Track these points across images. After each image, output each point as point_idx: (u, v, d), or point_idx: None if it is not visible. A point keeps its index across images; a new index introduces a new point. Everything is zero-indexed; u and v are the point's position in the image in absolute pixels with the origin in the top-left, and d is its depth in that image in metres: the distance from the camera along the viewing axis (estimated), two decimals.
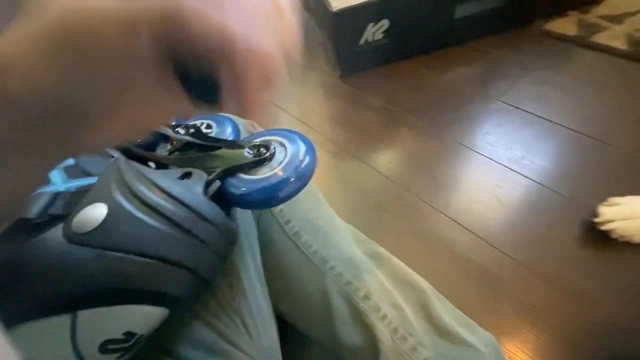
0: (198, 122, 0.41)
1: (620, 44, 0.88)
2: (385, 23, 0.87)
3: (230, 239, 0.29)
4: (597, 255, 0.56)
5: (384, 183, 0.72)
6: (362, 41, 0.89)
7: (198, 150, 0.33)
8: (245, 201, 0.30)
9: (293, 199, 0.48)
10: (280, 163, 0.30)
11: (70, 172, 0.33)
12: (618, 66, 0.84)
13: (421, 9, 0.87)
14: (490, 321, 0.52)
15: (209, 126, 0.40)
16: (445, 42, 0.97)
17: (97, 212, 0.23)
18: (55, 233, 0.23)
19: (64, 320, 0.21)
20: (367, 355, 0.38)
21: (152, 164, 0.35)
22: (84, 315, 0.21)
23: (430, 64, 0.94)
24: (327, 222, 0.45)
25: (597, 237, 0.57)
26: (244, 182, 0.30)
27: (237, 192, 0.30)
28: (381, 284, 0.42)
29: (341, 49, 0.90)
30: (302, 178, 0.30)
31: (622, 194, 0.58)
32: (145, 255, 0.23)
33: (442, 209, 0.65)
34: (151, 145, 0.37)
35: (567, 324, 0.51)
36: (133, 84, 0.15)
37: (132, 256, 0.22)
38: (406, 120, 0.83)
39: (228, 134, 0.39)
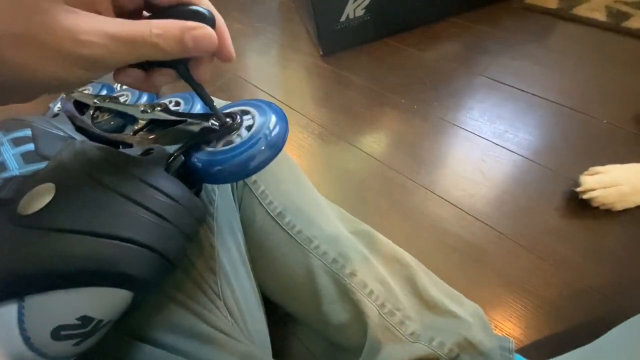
0: (167, 101, 0.39)
1: (600, 16, 0.88)
2: None
3: (196, 216, 0.27)
4: (579, 224, 0.57)
5: (368, 162, 0.71)
6: (343, 18, 0.86)
7: (163, 127, 0.31)
8: (212, 174, 0.28)
9: (274, 180, 0.47)
10: (248, 132, 0.28)
11: (28, 158, 0.31)
12: (598, 38, 0.84)
13: None
14: (476, 292, 0.53)
15: (177, 104, 0.38)
16: (426, 19, 0.95)
17: (44, 192, 0.22)
18: (1, 217, 0.21)
19: (10, 307, 0.19)
20: (355, 332, 0.38)
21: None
22: (31, 300, 0.20)
23: (412, 41, 0.93)
24: (311, 201, 0.44)
25: (579, 206, 0.58)
26: (209, 155, 0.28)
27: (202, 166, 0.28)
28: (367, 260, 0.41)
29: (322, 26, 0.88)
30: (272, 147, 0.28)
31: (603, 163, 0.59)
32: (95, 234, 0.21)
33: (427, 186, 0.65)
34: (119, 129, 0.35)
35: (550, 292, 0.52)
36: None
37: (80, 236, 0.21)
38: (389, 99, 0.81)
39: (197, 110, 0.37)
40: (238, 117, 0.29)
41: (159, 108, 0.32)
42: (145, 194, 0.23)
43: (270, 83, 0.95)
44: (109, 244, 0.21)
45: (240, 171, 0.27)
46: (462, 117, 0.74)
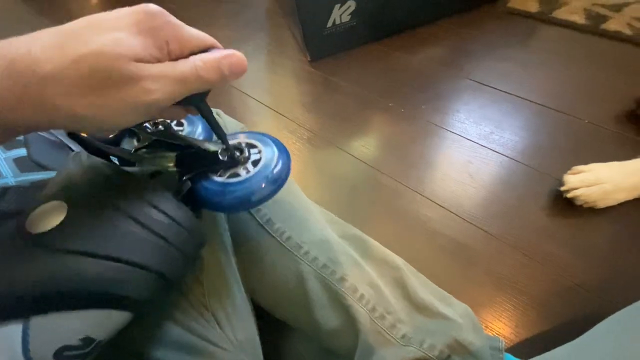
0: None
1: (579, 19, 0.90)
2: (351, 4, 0.85)
3: (199, 240, 0.28)
4: (564, 223, 0.58)
5: (358, 166, 0.71)
6: (329, 24, 0.87)
7: (167, 149, 0.31)
8: (216, 204, 0.29)
9: None
10: (254, 167, 0.30)
11: (22, 165, 0.30)
12: (577, 40, 0.86)
13: None
14: (466, 293, 0.53)
15: (179, 124, 0.38)
16: (412, 23, 0.96)
17: (55, 210, 0.21)
18: (7, 231, 0.21)
19: (14, 327, 0.19)
20: (347, 337, 0.38)
21: (114, 160, 0.32)
22: (37, 321, 0.19)
23: (399, 46, 0.94)
24: (300, 207, 0.44)
25: (564, 205, 0.59)
26: (216, 185, 0.29)
27: (208, 195, 0.29)
28: (357, 264, 0.41)
29: (309, 32, 0.88)
30: (275, 182, 0.29)
31: (586, 161, 0.60)
32: (107, 258, 0.21)
33: (416, 188, 0.66)
34: (115, 141, 0.35)
35: (538, 290, 0.53)
36: None
37: (92, 259, 0.21)
38: (378, 103, 0.82)
39: (198, 133, 0.37)
40: (246, 150, 0.31)
41: (161, 127, 0.32)
42: (154, 218, 0.24)
43: (259, 89, 0.95)
44: (120, 267, 0.21)
45: (243, 204, 0.29)
46: (449, 120, 0.76)
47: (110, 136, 0.34)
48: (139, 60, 0.20)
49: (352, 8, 0.86)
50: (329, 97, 0.86)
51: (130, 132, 0.34)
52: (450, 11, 0.97)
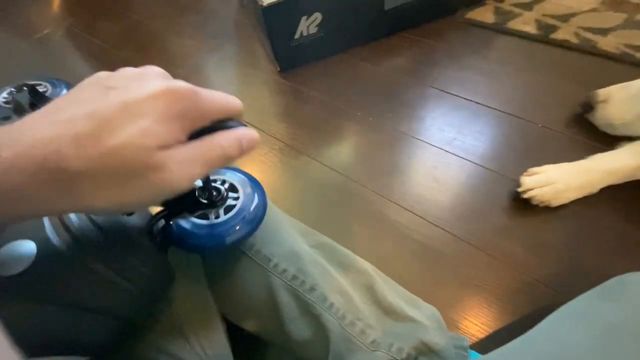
0: (33, 82, 0.37)
1: (531, 29, 0.97)
2: (318, 16, 0.87)
3: (168, 283, 0.28)
4: (523, 222, 0.62)
5: (328, 175, 0.73)
6: (297, 35, 0.89)
7: None
8: (190, 244, 0.29)
9: None
10: (226, 213, 0.30)
11: None
12: (530, 49, 0.92)
13: (351, 0, 0.88)
14: (435, 294, 0.55)
15: (43, 87, 0.37)
16: (377, 34, 1.00)
17: (23, 251, 0.20)
18: None
19: None
20: (318, 346, 0.39)
21: None
22: None
23: (365, 56, 0.97)
24: (269, 220, 0.45)
25: (522, 205, 0.63)
26: (190, 225, 0.29)
27: (181, 235, 0.29)
28: (327, 273, 0.42)
29: (277, 44, 0.89)
30: (250, 224, 0.31)
31: (540, 163, 0.64)
32: (75, 307, 0.20)
33: (385, 194, 0.68)
34: None
35: (501, 287, 0.56)
36: None
37: (57, 307, 0.20)
38: (346, 113, 0.84)
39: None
40: (224, 193, 0.31)
41: (25, 89, 0.31)
42: (125, 263, 0.23)
43: None
44: (87, 316, 0.21)
45: (216, 245, 0.30)
46: (414, 127, 0.79)
47: None
48: (165, 147, 0.20)
49: (319, 20, 0.88)
50: (299, 107, 0.88)
51: None
52: (412, 23, 1.02)
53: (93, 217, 0.23)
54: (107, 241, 0.23)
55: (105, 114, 0.19)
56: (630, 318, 0.29)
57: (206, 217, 0.30)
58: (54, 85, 0.42)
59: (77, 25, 1.30)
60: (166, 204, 0.29)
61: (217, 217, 0.30)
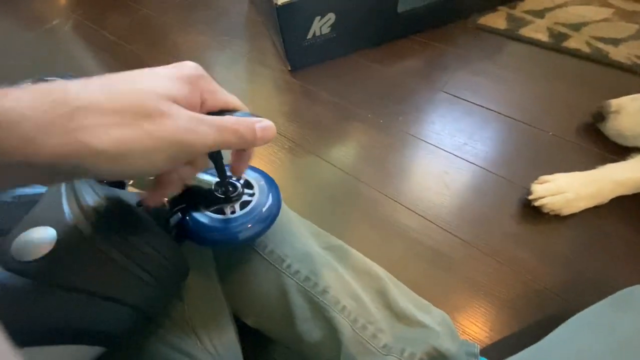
0: (51, 78, 0.37)
1: (543, 36, 0.97)
2: (331, 16, 0.87)
3: (183, 276, 0.28)
4: (532, 229, 0.62)
5: (338, 176, 0.73)
6: (309, 35, 0.88)
7: None
8: (204, 238, 0.30)
9: None
10: (242, 209, 0.30)
11: None
12: (541, 56, 0.92)
13: (365, 2, 0.88)
14: (443, 299, 0.55)
15: None
16: (389, 36, 1.00)
17: (43, 237, 0.20)
18: None
19: None
20: (330, 349, 0.39)
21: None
22: None
23: (376, 58, 0.97)
24: (282, 219, 0.45)
25: (532, 212, 0.63)
26: (206, 220, 0.30)
27: (196, 229, 0.29)
28: (339, 276, 0.42)
29: (289, 43, 0.89)
30: (264, 222, 0.31)
31: (551, 171, 0.64)
32: (93, 294, 0.20)
33: (395, 198, 0.68)
34: None
35: (510, 294, 0.56)
36: None
37: (76, 294, 0.20)
38: (356, 114, 0.84)
39: None
40: (240, 188, 0.32)
41: None
42: (143, 253, 0.23)
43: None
44: (103, 304, 0.21)
45: (230, 241, 0.30)
46: (425, 131, 0.78)
47: None
48: (175, 101, 0.20)
49: (332, 20, 0.88)
50: (309, 107, 0.88)
51: None
52: (424, 26, 1.01)
53: (111, 206, 0.23)
54: (126, 230, 0.23)
55: (118, 76, 0.20)
56: None
57: (222, 212, 0.30)
58: None
59: (86, 17, 1.29)
60: (181, 196, 0.30)
61: (232, 212, 0.30)
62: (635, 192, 0.62)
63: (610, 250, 0.58)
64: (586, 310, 0.39)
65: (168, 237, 0.26)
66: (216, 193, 0.30)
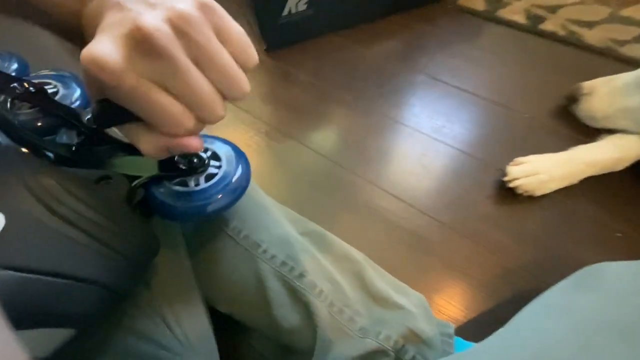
0: (40, 80, 0.35)
1: (520, 18, 0.97)
2: None
3: (153, 251, 0.26)
4: (507, 210, 0.63)
5: (316, 160, 0.71)
6: (285, 12, 0.85)
7: (114, 147, 0.29)
8: (169, 212, 0.28)
9: None
10: (207, 181, 0.29)
11: None
12: (518, 39, 0.93)
13: None
14: (421, 281, 0.56)
15: (54, 87, 0.34)
16: (368, 16, 0.97)
17: None
18: None
19: None
20: (306, 334, 0.38)
21: (49, 155, 0.28)
22: None
23: (356, 38, 0.94)
24: (257, 204, 0.43)
25: (507, 194, 0.64)
26: (169, 193, 0.28)
27: (160, 202, 0.28)
28: (316, 260, 0.41)
29: (263, 20, 0.86)
30: (232, 194, 0.29)
31: (526, 153, 0.65)
32: (54, 275, 0.19)
33: (374, 181, 0.67)
34: (45, 131, 0.30)
35: (485, 274, 0.57)
36: None
37: (37, 276, 0.19)
38: (336, 96, 0.82)
39: (75, 97, 0.34)
40: (206, 160, 0.30)
41: (32, 89, 0.28)
42: (107, 229, 0.22)
43: None
44: (68, 284, 0.20)
45: (198, 213, 0.28)
46: (404, 114, 0.78)
47: (39, 124, 0.30)
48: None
49: None
50: (286, 89, 0.85)
51: (68, 125, 0.30)
52: (404, 6, 0.99)
53: (66, 185, 0.22)
54: (84, 209, 0.22)
55: None
56: (609, 309, 0.29)
57: (185, 185, 0.29)
58: (3, 59, 0.37)
59: None
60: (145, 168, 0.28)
61: (197, 184, 0.29)
62: (605, 172, 0.64)
63: (578, 229, 0.60)
64: (548, 291, 0.39)
65: (131, 213, 0.25)
66: (179, 164, 0.29)
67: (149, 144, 0.21)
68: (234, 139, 0.74)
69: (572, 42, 0.90)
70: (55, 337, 0.21)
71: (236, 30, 0.21)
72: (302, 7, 0.86)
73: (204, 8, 0.20)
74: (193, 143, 0.21)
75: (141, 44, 0.18)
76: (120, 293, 0.23)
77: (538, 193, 0.62)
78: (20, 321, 0.18)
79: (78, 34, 0.23)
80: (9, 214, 0.19)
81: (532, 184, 0.61)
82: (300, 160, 0.72)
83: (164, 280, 0.34)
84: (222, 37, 0.20)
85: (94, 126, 0.22)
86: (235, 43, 0.21)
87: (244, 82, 0.22)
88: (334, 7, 0.90)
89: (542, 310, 0.37)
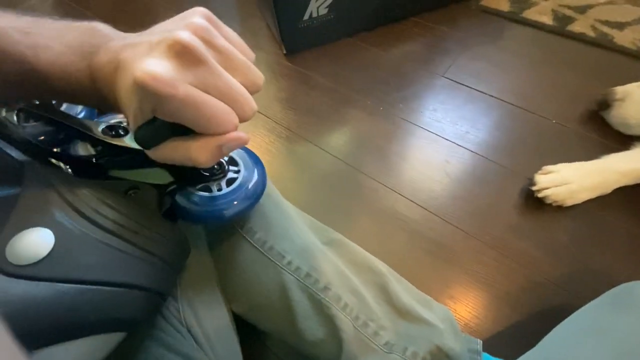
0: (115, 121, 0.35)
1: (547, 19, 0.94)
2: None
3: (186, 251, 0.28)
4: (535, 220, 0.61)
5: (337, 165, 0.71)
6: (306, 16, 0.84)
7: (131, 157, 0.29)
8: (191, 216, 0.30)
9: None
10: (228, 186, 0.31)
11: None
12: (546, 40, 0.89)
13: None
14: (444, 292, 0.55)
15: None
16: (389, 18, 0.96)
17: (41, 239, 0.20)
18: None
19: None
20: (331, 347, 0.38)
21: (66, 167, 0.29)
22: (38, 355, 0.19)
23: (376, 41, 0.93)
24: (280, 214, 0.43)
25: (535, 203, 0.61)
26: (193, 198, 0.30)
27: (184, 207, 0.29)
28: (340, 272, 0.41)
29: (284, 24, 0.85)
30: (249, 199, 0.31)
31: (554, 161, 0.63)
32: (106, 284, 0.21)
33: (395, 188, 0.66)
34: (50, 143, 0.29)
35: (510, 285, 0.55)
36: None
37: (87, 286, 0.20)
38: (355, 101, 0.81)
39: (80, 108, 0.35)
40: (225, 166, 0.32)
41: (122, 131, 0.29)
42: (143, 236, 0.23)
43: None
44: (114, 292, 0.21)
45: (217, 218, 0.30)
46: (426, 119, 0.76)
47: (46, 137, 0.29)
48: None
49: (330, 1, 0.83)
50: (306, 94, 0.84)
51: (81, 136, 0.30)
52: (425, 8, 0.97)
53: (102, 198, 0.24)
54: (122, 218, 0.23)
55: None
56: None
57: (209, 190, 0.31)
58: None
59: None
60: (171, 174, 0.30)
61: (219, 189, 0.31)
62: (638, 182, 0.61)
63: (612, 242, 0.58)
64: (581, 311, 0.38)
65: (163, 218, 0.27)
66: (202, 171, 0.31)
67: (201, 149, 0.22)
68: (255, 144, 0.75)
69: (602, 44, 0.86)
70: (110, 341, 0.22)
71: (232, 32, 0.24)
72: (323, 11, 0.85)
73: (209, 19, 0.22)
74: (243, 136, 0.22)
75: (182, 55, 0.20)
76: (163, 294, 0.25)
77: (568, 203, 0.60)
78: (77, 330, 0.20)
79: (84, 92, 0.24)
80: (56, 230, 0.20)
81: (562, 194, 0.59)
82: (320, 165, 0.71)
83: (190, 292, 0.35)
84: (228, 40, 0.23)
85: (139, 147, 0.23)
86: (237, 44, 0.23)
87: (259, 75, 0.24)
88: (354, 11, 0.89)
89: (575, 332, 0.36)
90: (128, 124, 0.26)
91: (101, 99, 0.23)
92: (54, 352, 0.19)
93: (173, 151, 0.22)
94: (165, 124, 0.21)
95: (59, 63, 0.23)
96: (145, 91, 0.19)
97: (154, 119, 0.21)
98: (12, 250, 0.19)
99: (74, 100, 0.28)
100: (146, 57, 0.19)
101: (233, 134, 0.22)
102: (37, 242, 0.20)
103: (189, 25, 0.21)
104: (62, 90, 0.24)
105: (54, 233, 0.20)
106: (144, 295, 0.23)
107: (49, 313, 0.19)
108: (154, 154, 0.23)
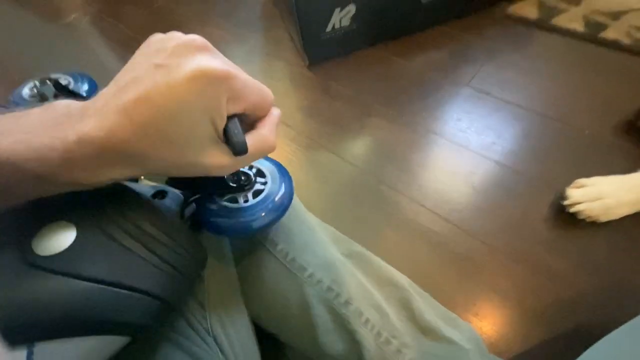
0: (56, 75, 0.39)
1: (578, 26, 0.90)
2: (351, 8, 0.83)
3: (202, 264, 0.28)
4: (567, 236, 0.58)
5: (359, 175, 0.70)
6: (329, 28, 0.85)
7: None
8: (217, 228, 0.30)
9: None
10: (254, 197, 0.30)
11: None
12: (576, 48, 0.86)
13: None
14: (469, 307, 0.53)
15: (65, 79, 0.38)
16: (412, 28, 0.95)
17: (62, 231, 0.21)
18: (9, 252, 0.20)
19: (19, 353, 0.18)
20: None
21: None
22: (41, 347, 0.19)
23: (398, 51, 0.93)
24: (302, 226, 0.43)
25: (566, 218, 0.59)
26: (219, 209, 0.29)
27: (210, 217, 0.29)
28: (362, 286, 0.40)
29: (307, 36, 0.86)
30: (276, 212, 0.30)
31: (586, 173, 0.60)
32: (117, 285, 0.21)
33: (418, 199, 0.65)
34: None
35: (540, 303, 0.53)
36: None
37: (102, 286, 0.20)
38: (377, 110, 0.81)
39: (85, 89, 0.37)
40: (252, 177, 0.32)
41: (49, 82, 0.32)
42: (162, 244, 0.23)
43: None
44: (125, 294, 0.21)
45: (244, 229, 0.30)
46: (450, 129, 0.75)
47: None
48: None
49: (353, 12, 0.84)
50: (328, 103, 0.85)
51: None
52: (449, 16, 0.96)
53: (128, 200, 0.24)
54: (144, 223, 0.23)
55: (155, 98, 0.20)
56: None
57: (235, 201, 0.30)
58: (75, 79, 0.44)
59: (104, 11, 1.29)
60: (196, 186, 0.30)
61: (246, 200, 0.30)
62: None
63: None
64: (619, 331, 0.36)
65: (185, 227, 0.27)
66: (229, 182, 0.30)
67: (272, 133, 0.25)
68: (276, 153, 0.75)
69: (638, 51, 0.83)
70: (112, 344, 0.22)
71: None
72: (346, 22, 0.86)
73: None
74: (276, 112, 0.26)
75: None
76: (173, 305, 0.25)
77: (603, 219, 0.57)
78: (83, 327, 0.20)
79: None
80: (82, 227, 0.21)
81: (596, 210, 0.56)
82: (342, 174, 0.71)
83: (216, 301, 0.35)
84: None
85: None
86: None
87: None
88: (378, 21, 0.89)
89: (611, 355, 0.34)
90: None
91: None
92: (57, 345, 0.20)
93: (256, 148, 0.24)
94: (235, 120, 0.22)
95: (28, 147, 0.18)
96: (211, 79, 0.20)
97: (228, 119, 0.22)
98: (38, 241, 0.20)
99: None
100: (178, 64, 0.20)
101: (274, 111, 0.24)
102: (57, 233, 0.21)
103: (187, 42, 0.22)
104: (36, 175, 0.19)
105: (78, 230, 0.21)
106: (153, 302, 0.23)
107: (58, 305, 0.19)
108: (244, 157, 0.23)
